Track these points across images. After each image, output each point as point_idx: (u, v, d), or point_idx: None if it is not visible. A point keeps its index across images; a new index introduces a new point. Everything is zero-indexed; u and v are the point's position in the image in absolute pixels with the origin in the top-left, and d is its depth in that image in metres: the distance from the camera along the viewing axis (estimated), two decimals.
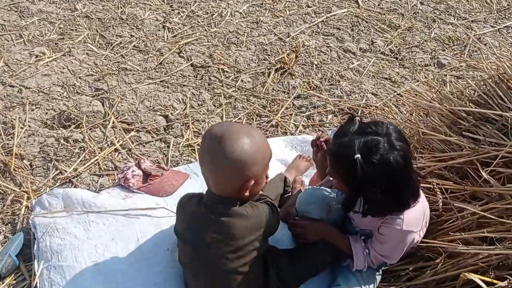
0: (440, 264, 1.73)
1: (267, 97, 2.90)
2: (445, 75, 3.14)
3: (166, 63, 3.07)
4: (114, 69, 2.96)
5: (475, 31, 3.61)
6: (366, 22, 3.61)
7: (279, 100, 2.89)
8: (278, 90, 2.97)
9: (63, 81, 2.82)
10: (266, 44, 3.31)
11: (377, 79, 3.12)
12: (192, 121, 2.68)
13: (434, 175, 1.99)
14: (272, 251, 1.71)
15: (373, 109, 2.85)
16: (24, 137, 2.47)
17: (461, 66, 3.22)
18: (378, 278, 1.83)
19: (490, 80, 2.23)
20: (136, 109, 2.71)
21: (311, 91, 2.97)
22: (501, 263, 1.59)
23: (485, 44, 3.42)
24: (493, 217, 1.68)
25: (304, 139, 2.55)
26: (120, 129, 2.58)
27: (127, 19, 3.37)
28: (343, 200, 1.67)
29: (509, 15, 3.83)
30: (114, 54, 3.08)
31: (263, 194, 1.70)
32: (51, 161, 2.38)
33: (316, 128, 2.74)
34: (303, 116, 2.80)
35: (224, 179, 1.52)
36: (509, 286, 1.43)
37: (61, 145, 2.46)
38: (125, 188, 2.09)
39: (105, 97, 2.75)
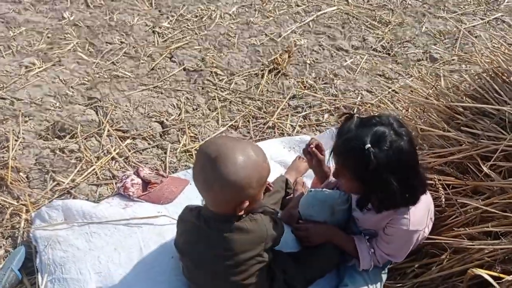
0: (445, 260, 1.73)
1: (262, 99, 2.89)
2: (438, 69, 3.15)
3: (158, 68, 3.04)
4: (106, 77, 2.94)
5: (465, 24, 3.63)
6: (357, 19, 3.61)
7: (274, 101, 2.88)
8: (273, 91, 2.96)
9: (55, 91, 2.79)
10: (258, 45, 3.30)
11: (371, 76, 3.12)
12: (188, 126, 2.66)
13: (434, 171, 1.99)
14: (277, 255, 1.70)
15: (369, 107, 2.85)
16: (19, 149, 2.43)
17: (453, 60, 3.23)
18: (384, 276, 1.83)
19: (485, 74, 2.23)
20: (131, 116, 2.69)
21: (305, 91, 2.96)
22: (507, 257, 1.59)
23: (476, 37, 3.44)
24: (496, 211, 1.69)
25: (301, 139, 2.54)
26: (115, 137, 2.55)
27: (116, 26, 3.34)
28: (356, 201, 1.65)
29: (497, 7, 3.85)
30: (105, 62, 3.05)
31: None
32: (48, 173, 2.35)
33: (313, 128, 2.74)
34: (299, 116, 2.79)
35: (218, 201, 1.50)
36: None
37: (57, 156, 2.43)
38: (125, 197, 2.07)
39: (98, 106, 2.73)
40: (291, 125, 2.74)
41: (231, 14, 3.58)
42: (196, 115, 2.75)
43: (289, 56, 3.14)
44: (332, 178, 1.93)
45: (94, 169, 2.39)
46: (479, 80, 2.26)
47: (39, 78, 2.87)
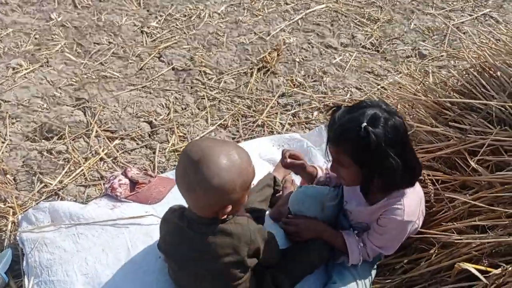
0: (434, 255, 1.73)
1: (251, 97, 2.88)
2: (427, 65, 3.15)
3: (147, 68, 3.03)
4: (94, 77, 2.92)
5: (454, 20, 3.63)
6: (345, 16, 3.61)
7: (263, 99, 2.88)
8: (262, 90, 2.95)
9: (43, 93, 2.76)
10: (247, 44, 3.29)
11: (360, 73, 3.12)
12: (177, 125, 2.65)
13: (423, 167, 1.99)
14: None
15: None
16: (6, 151, 2.42)
17: (442, 56, 3.24)
18: (373, 272, 1.83)
19: (472, 69, 2.24)
20: (119, 117, 2.67)
21: (295, 89, 2.96)
22: (494, 251, 1.59)
23: (464, 33, 3.45)
24: (483, 205, 1.69)
25: (291, 137, 2.53)
26: (104, 138, 2.54)
27: (104, 26, 3.32)
28: (360, 188, 1.64)
29: (485, 3, 3.86)
30: (93, 62, 3.03)
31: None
32: (35, 175, 2.33)
33: (303, 126, 2.73)
34: (288, 114, 2.79)
35: (201, 205, 1.47)
36: (503, 274, 1.43)
37: (45, 157, 2.41)
38: (113, 197, 2.05)
39: (86, 107, 2.71)
40: (281, 123, 2.73)
41: (220, 13, 3.57)
42: (185, 115, 2.74)
43: (278, 54, 3.14)
44: (320, 175, 1.93)
45: (82, 170, 2.37)
46: (466, 75, 2.26)
47: (27, 79, 2.85)
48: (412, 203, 1.65)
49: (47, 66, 2.97)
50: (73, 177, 2.33)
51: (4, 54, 3.02)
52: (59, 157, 2.42)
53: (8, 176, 2.31)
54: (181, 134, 2.61)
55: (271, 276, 1.65)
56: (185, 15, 3.52)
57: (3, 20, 3.28)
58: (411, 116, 2.31)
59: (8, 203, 2.18)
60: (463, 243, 1.62)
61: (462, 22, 3.61)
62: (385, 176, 1.55)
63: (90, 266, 1.79)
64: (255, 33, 3.40)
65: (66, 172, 2.36)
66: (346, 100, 2.89)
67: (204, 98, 2.85)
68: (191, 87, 2.92)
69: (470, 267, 1.45)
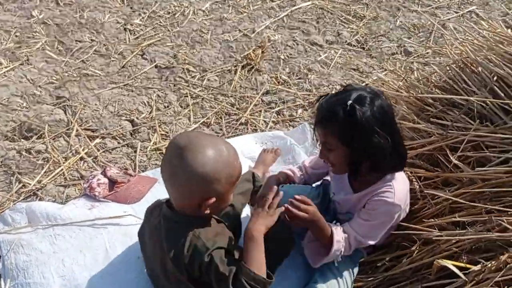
0: (415, 252, 1.72)
1: (235, 95, 2.85)
2: (412, 62, 3.14)
3: (129, 66, 2.99)
4: (75, 75, 2.88)
5: (439, 17, 3.63)
6: (331, 13, 3.59)
7: (247, 97, 2.85)
8: (246, 87, 2.92)
9: (22, 91, 2.72)
10: (231, 41, 3.26)
11: (345, 71, 3.10)
12: (159, 124, 2.62)
13: (406, 164, 1.98)
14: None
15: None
16: None
17: (427, 53, 3.23)
18: (356, 270, 1.81)
19: (454, 65, 2.23)
20: (100, 115, 2.63)
21: (279, 86, 2.93)
22: (473, 247, 1.58)
23: (449, 30, 3.44)
24: (463, 201, 1.68)
25: (274, 135, 2.52)
26: (84, 137, 2.50)
27: (86, 24, 3.28)
28: (348, 172, 1.63)
29: (471, 0, 3.86)
30: (75, 60, 2.99)
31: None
32: (14, 175, 2.29)
33: (287, 124, 2.71)
34: (272, 112, 2.76)
35: (181, 193, 1.41)
36: (483, 270, 1.42)
37: (23, 157, 2.37)
38: (91, 197, 2.02)
39: (67, 105, 2.67)
40: (264, 121, 2.71)
41: (204, 10, 3.54)
42: (167, 113, 2.71)
43: (262, 52, 3.11)
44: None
45: (61, 169, 2.33)
46: (449, 71, 2.25)
47: (6, 77, 2.80)
48: (401, 187, 1.64)
49: (28, 64, 2.93)
50: (52, 177, 2.29)
51: None
52: (38, 157, 2.38)
53: None
54: (163, 133, 2.58)
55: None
56: (169, 12, 3.48)
57: None
58: (394, 113, 2.29)
59: None
60: (444, 239, 1.61)
61: (448, 19, 3.60)
62: (372, 156, 1.54)
63: (67, 268, 1.76)
64: (239, 30, 3.37)
65: (45, 172, 2.32)
66: None
67: (187, 96, 2.82)
68: (174, 85, 2.89)
69: (449, 264, 1.44)
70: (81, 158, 2.40)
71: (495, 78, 2.00)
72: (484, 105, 1.93)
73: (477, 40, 2.26)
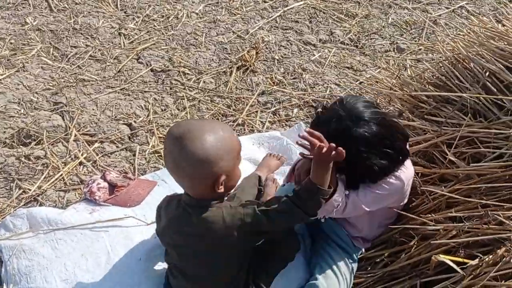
0: (414, 248, 1.74)
1: (231, 96, 2.87)
2: (405, 59, 3.17)
3: (125, 70, 3.01)
4: (71, 81, 2.89)
5: (431, 13, 3.66)
6: (324, 13, 3.62)
7: (243, 98, 2.87)
8: (242, 88, 2.95)
9: (19, 98, 2.73)
10: (226, 43, 3.28)
11: (339, 69, 3.13)
12: (157, 127, 2.64)
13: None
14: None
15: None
16: None
17: (419, 49, 3.26)
18: (355, 266, 1.84)
19: (447, 61, 2.26)
20: (98, 120, 2.65)
21: (274, 87, 2.96)
22: (471, 241, 1.61)
23: (441, 26, 3.47)
24: (458, 197, 1.70)
25: (271, 135, 2.54)
26: (83, 142, 2.52)
27: (80, 29, 3.29)
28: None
29: None
30: (70, 66, 3.00)
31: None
32: (14, 181, 2.31)
33: (283, 124, 2.73)
34: (268, 112, 2.79)
35: (192, 182, 1.45)
36: (480, 264, 1.45)
37: (23, 163, 2.39)
38: (92, 201, 2.04)
39: (64, 111, 2.68)
40: (261, 122, 2.73)
41: (198, 12, 3.56)
42: (164, 116, 2.73)
43: (257, 53, 3.13)
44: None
45: (61, 174, 2.35)
46: (441, 67, 2.28)
47: (2, 85, 2.81)
48: (409, 165, 1.71)
49: (24, 71, 2.94)
50: (52, 182, 2.31)
51: None
52: (38, 163, 2.40)
53: None
54: (161, 136, 2.60)
55: (252, 275, 1.65)
56: (163, 16, 3.50)
57: None
58: (388, 111, 2.32)
59: None
60: (441, 233, 1.64)
61: (439, 15, 3.63)
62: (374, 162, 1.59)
63: (70, 272, 1.77)
64: (233, 32, 3.39)
65: (45, 178, 2.33)
66: (326, 97, 2.89)
67: (184, 99, 2.84)
68: (170, 88, 2.91)
69: (446, 259, 1.47)
70: (80, 163, 2.42)
71: (487, 73, 2.03)
72: (477, 101, 1.96)
73: (468, 36, 2.29)
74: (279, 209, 1.47)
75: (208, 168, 1.41)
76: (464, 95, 1.96)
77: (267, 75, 3.05)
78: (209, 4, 3.65)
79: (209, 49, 3.23)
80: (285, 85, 2.97)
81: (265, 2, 3.70)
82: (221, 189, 1.45)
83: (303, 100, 2.87)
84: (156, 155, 2.49)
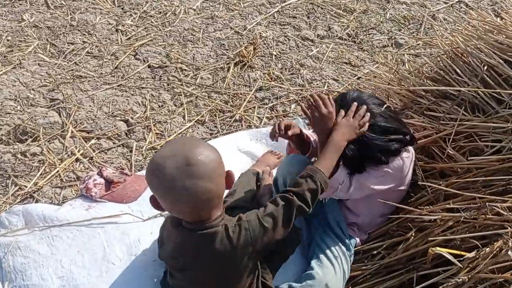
0: (411, 239, 1.73)
1: (229, 92, 2.86)
2: (403, 54, 3.16)
3: (122, 66, 2.99)
4: (68, 77, 2.88)
5: (429, 8, 3.64)
6: (321, 8, 3.60)
7: (240, 94, 2.86)
8: (239, 84, 2.93)
9: (16, 95, 2.72)
10: (223, 39, 3.26)
11: (337, 64, 3.12)
12: (154, 123, 2.63)
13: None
14: None
15: (335, 95, 2.84)
16: None
17: (418, 44, 3.24)
18: (351, 258, 1.83)
19: (445, 55, 2.24)
20: (95, 116, 2.64)
21: (272, 82, 2.94)
22: (468, 232, 1.60)
23: (439, 21, 3.45)
24: (455, 191, 1.69)
25: (268, 131, 2.52)
26: (79, 138, 2.50)
27: (77, 26, 3.28)
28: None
29: None
30: (67, 62, 2.99)
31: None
32: (10, 178, 2.29)
33: (281, 119, 2.72)
34: (266, 108, 2.77)
35: (215, 192, 1.39)
36: (477, 257, 1.43)
37: (19, 160, 2.37)
38: (88, 198, 2.03)
39: (61, 107, 2.67)
40: (258, 117, 2.72)
41: (195, 8, 3.54)
42: (161, 112, 2.71)
43: (254, 48, 3.12)
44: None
45: (57, 171, 2.34)
46: (440, 62, 2.26)
47: None
48: (410, 148, 1.81)
49: (20, 67, 2.92)
50: (48, 179, 2.30)
51: None
52: (34, 159, 2.38)
53: None
54: (158, 132, 2.59)
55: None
56: (160, 12, 3.48)
57: None
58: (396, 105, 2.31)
59: None
60: (438, 223, 1.63)
61: (438, 10, 3.62)
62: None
63: (66, 269, 1.76)
64: (231, 27, 3.37)
65: (41, 174, 2.32)
66: (324, 92, 2.88)
67: (181, 95, 2.82)
68: (168, 84, 2.89)
69: (443, 252, 1.45)
70: (77, 159, 2.41)
71: (485, 67, 2.01)
72: (475, 95, 1.94)
73: (467, 30, 2.28)
74: (277, 207, 1.45)
75: (219, 172, 1.39)
76: (462, 89, 1.95)
77: (264, 70, 3.04)
78: (207, 0, 3.63)
79: (207, 45, 3.22)
80: (283, 81, 2.96)
81: None
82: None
83: (300, 96, 2.86)
84: (153, 151, 2.47)
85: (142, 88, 2.85)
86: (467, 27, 2.30)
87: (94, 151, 2.45)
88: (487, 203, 1.51)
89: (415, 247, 1.68)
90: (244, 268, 1.46)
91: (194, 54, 3.12)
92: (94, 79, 2.89)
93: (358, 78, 2.96)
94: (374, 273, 1.77)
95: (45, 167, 2.35)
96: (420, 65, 2.35)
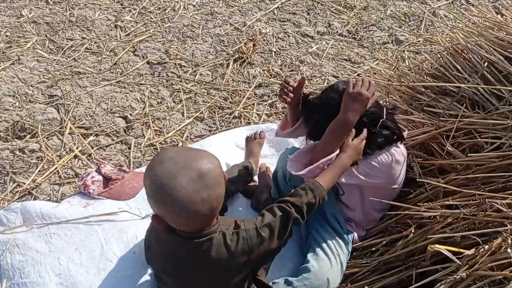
0: (410, 235, 1.72)
1: (228, 89, 2.85)
2: (403, 51, 3.14)
3: (121, 63, 2.98)
4: (67, 73, 2.86)
5: (430, 5, 3.63)
6: (322, 4, 3.59)
7: (240, 90, 2.85)
8: (239, 81, 2.92)
9: (14, 91, 2.71)
10: (223, 35, 3.25)
11: (337, 61, 3.10)
12: (153, 119, 2.62)
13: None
14: None
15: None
16: None
17: (418, 41, 3.23)
18: (348, 253, 1.83)
19: (446, 52, 2.23)
20: (93, 113, 2.63)
21: (272, 79, 2.93)
22: (467, 228, 1.59)
23: (440, 18, 3.44)
24: (454, 188, 1.68)
25: (268, 127, 2.51)
26: (78, 135, 2.50)
27: (76, 21, 3.26)
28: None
29: None
30: (66, 58, 2.98)
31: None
32: (8, 174, 2.29)
33: (280, 116, 2.71)
34: (265, 104, 2.76)
35: (222, 199, 1.38)
36: (476, 254, 1.43)
37: (17, 156, 2.37)
38: (86, 195, 2.01)
39: (60, 103, 2.66)
40: (258, 114, 2.71)
41: (195, 4, 3.53)
42: (160, 108, 2.70)
43: (254, 45, 3.10)
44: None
45: (56, 168, 2.33)
46: (440, 58, 2.25)
47: None
48: (402, 148, 1.80)
49: (19, 63, 2.91)
50: (46, 176, 2.29)
51: None
52: (32, 156, 2.38)
53: None
54: (157, 128, 2.58)
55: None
56: (160, 8, 3.47)
57: None
58: (387, 103, 2.30)
59: None
60: (437, 220, 1.62)
61: (439, 7, 3.60)
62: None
63: (63, 266, 1.75)
64: (230, 24, 3.36)
65: (39, 171, 2.31)
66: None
67: (180, 91, 2.81)
68: (167, 81, 2.88)
69: (442, 249, 1.45)
70: (75, 156, 2.40)
71: (485, 64, 2.00)
72: (475, 91, 1.93)
73: (467, 26, 2.26)
74: (275, 218, 1.45)
75: (222, 173, 1.39)
76: (462, 85, 1.93)
77: (264, 67, 3.02)
78: None
79: (206, 41, 3.20)
80: (282, 78, 2.94)
81: None
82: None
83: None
84: (152, 148, 2.47)
85: (141, 84, 2.84)
86: (468, 24, 2.29)
87: (92, 147, 2.44)
88: (486, 200, 1.50)
89: (414, 244, 1.67)
90: (238, 275, 1.46)
91: (193, 51, 3.11)
92: (93, 75, 2.87)
93: (358, 75, 2.94)
94: (373, 270, 1.77)
95: (44, 163, 2.34)
96: (420, 61, 2.33)
